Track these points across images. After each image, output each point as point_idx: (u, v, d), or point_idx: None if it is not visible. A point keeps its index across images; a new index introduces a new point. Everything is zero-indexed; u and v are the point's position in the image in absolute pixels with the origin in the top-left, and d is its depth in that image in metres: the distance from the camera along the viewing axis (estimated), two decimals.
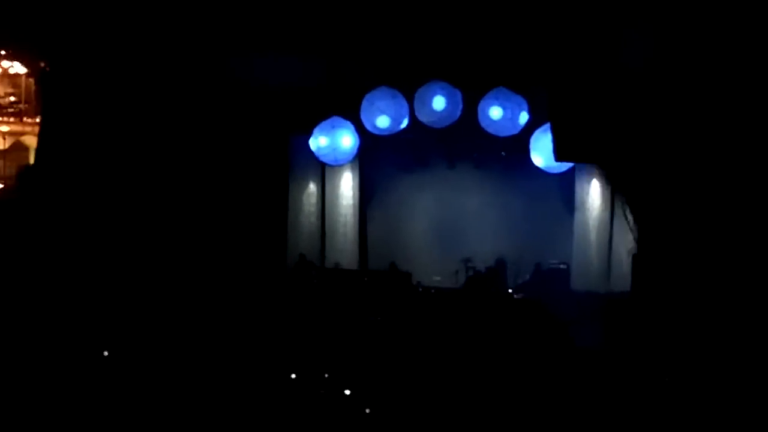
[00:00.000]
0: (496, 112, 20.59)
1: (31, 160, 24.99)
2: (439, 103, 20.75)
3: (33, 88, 28.37)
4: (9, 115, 28.44)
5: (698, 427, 12.06)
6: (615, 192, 20.73)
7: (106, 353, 14.60)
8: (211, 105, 20.72)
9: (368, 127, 21.14)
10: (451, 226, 23.04)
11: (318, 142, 21.34)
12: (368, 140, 21.67)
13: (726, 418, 12.07)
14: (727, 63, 16.59)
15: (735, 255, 16.05)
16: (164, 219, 19.84)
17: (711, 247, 16.43)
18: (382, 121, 21.01)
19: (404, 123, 21.13)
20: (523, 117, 20.56)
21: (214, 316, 17.41)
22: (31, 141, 26.07)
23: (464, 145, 22.35)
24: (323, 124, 21.26)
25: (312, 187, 22.98)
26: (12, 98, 28.88)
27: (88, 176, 19.77)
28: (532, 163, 20.78)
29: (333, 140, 21.30)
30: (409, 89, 20.92)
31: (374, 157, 22.88)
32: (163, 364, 14.20)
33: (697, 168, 16.66)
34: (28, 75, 28.40)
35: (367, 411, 12.83)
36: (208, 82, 20.43)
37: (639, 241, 18.76)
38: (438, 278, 22.07)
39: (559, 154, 16.73)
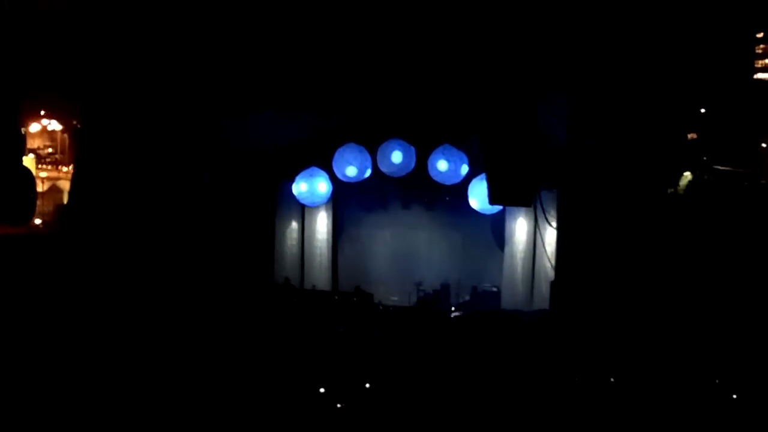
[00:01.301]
0: (442, 165, 20.60)
1: (64, 200, 24.83)
2: (397, 156, 20.73)
3: (67, 141, 28.37)
4: (47, 163, 28.45)
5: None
6: (537, 229, 20.76)
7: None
8: (213, 158, 20.71)
9: (339, 175, 21.08)
10: (406, 255, 22.99)
11: (299, 187, 21.25)
12: (340, 186, 21.59)
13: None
14: (631, 124, 16.90)
15: (631, 288, 16.31)
16: (173, 250, 19.69)
17: (612, 279, 16.69)
18: (351, 171, 20.95)
19: (368, 172, 21.09)
20: (464, 168, 20.58)
21: (210, 329, 17.27)
22: (65, 185, 25.95)
23: (417, 191, 22.30)
24: (303, 172, 21.19)
25: (294, 224, 22.81)
26: (50, 150, 28.89)
27: (111, 212, 19.67)
28: (471, 206, 20.80)
29: (311, 186, 21.22)
30: (372, 145, 20.90)
31: (344, 199, 22.76)
32: (162, 368, 13.99)
33: (605, 208, 16.90)
34: (62, 131, 28.43)
35: (339, 406, 12.67)
36: (210, 140, 20.41)
37: (556, 270, 18.92)
38: (395, 298, 22.02)
39: (492, 199, 16.83)
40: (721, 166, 19.04)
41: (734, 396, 12.85)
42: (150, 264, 19.19)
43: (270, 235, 22.26)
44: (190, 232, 20.14)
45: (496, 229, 22.18)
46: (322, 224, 22.92)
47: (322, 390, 13.39)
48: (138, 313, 17.28)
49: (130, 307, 17.48)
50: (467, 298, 21.64)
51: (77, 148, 22.43)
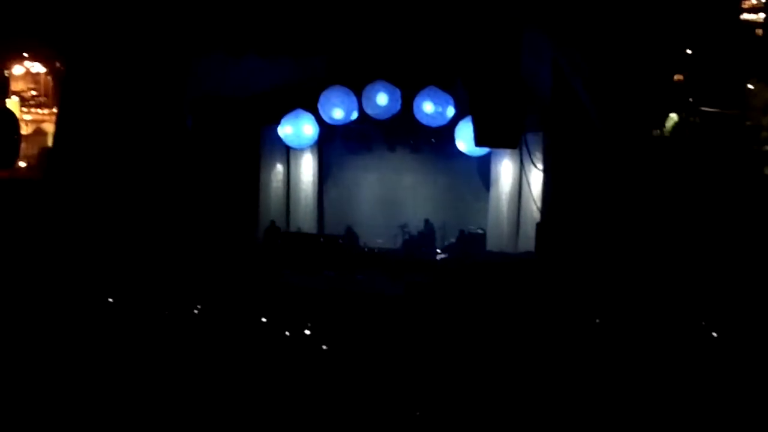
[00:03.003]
0: (428, 107, 20.41)
1: (49, 143, 24.53)
2: (382, 99, 20.51)
3: (50, 84, 28.07)
4: (31, 106, 28.18)
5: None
6: (523, 172, 20.64)
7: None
8: (196, 103, 20.43)
9: (325, 118, 20.88)
10: (391, 198, 22.83)
11: (285, 129, 21.04)
12: (325, 129, 21.42)
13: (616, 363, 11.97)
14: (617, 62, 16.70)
15: (616, 230, 16.26)
16: (158, 193, 19.49)
17: (597, 221, 16.61)
18: (337, 113, 20.75)
19: (354, 115, 20.90)
20: (450, 111, 20.42)
21: (195, 273, 17.18)
22: (49, 127, 25.67)
23: (402, 134, 22.02)
24: (289, 115, 20.97)
25: (279, 167, 22.59)
26: (33, 92, 28.59)
27: (95, 157, 19.43)
28: (457, 148, 20.66)
29: (297, 128, 21.01)
30: (358, 87, 20.66)
31: (330, 142, 22.53)
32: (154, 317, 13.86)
33: (591, 149, 16.76)
34: (46, 73, 28.09)
35: (324, 348, 12.57)
36: (193, 85, 20.07)
37: (542, 212, 18.83)
38: (380, 241, 21.90)
39: (478, 141, 16.63)
40: (708, 107, 18.84)
41: (714, 335, 12.81)
42: (134, 208, 19.01)
43: (255, 179, 22.13)
44: (175, 176, 19.92)
45: (481, 171, 22.00)
46: (307, 167, 22.68)
47: (307, 332, 13.30)
48: (123, 259, 17.17)
49: (115, 252, 17.35)
50: (453, 240, 21.44)
51: (61, 91, 22.14)
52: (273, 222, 21.61)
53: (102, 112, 19.40)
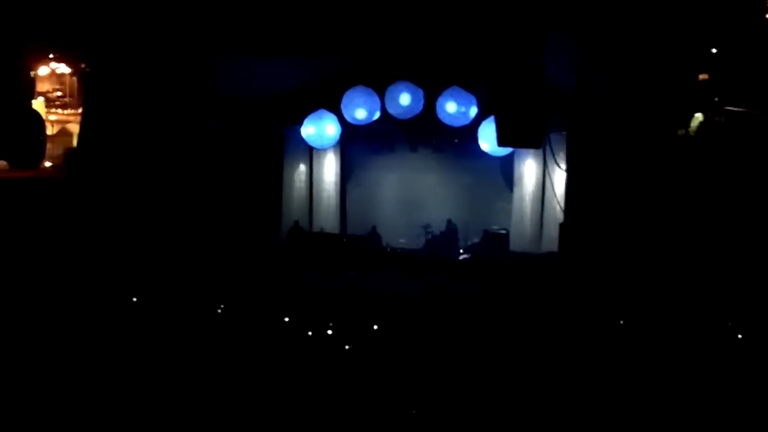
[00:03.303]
0: (451, 107, 20.23)
1: (74, 144, 24.76)
2: (405, 99, 20.36)
3: (75, 84, 28.28)
4: (56, 106, 28.46)
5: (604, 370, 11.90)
6: (546, 172, 20.51)
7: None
8: (220, 106, 20.54)
9: (348, 118, 20.75)
10: (414, 198, 22.72)
11: (307, 130, 20.94)
12: (348, 129, 21.28)
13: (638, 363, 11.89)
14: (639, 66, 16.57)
15: (640, 231, 16.13)
16: (182, 194, 19.62)
17: (621, 222, 16.49)
18: (360, 113, 20.62)
19: (377, 115, 20.76)
20: (473, 111, 20.23)
21: (222, 270, 17.27)
22: (74, 128, 25.91)
23: (425, 134, 21.91)
24: (312, 115, 20.87)
25: (302, 167, 22.56)
26: (59, 93, 28.87)
27: (119, 157, 19.58)
28: (480, 148, 20.46)
29: (319, 129, 20.90)
30: (381, 88, 20.53)
31: (352, 142, 22.45)
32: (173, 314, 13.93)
33: (616, 149, 16.65)
34: (71, 74, 28.33)
35: (347, 347, 12.62)
36: (217, 87, 20.21)
37: (565, 212, 18.72)
38: (403, 240, 21.84)
39: (501, 141, 16.46)
40: (733, 107, 18.67)
41: (739, 336, 12.70)
42: (158, 208, 19.11)
43: (278, 179, 22.10)
44: (198, 177, 20.03)
45: (504, 171, 21.85)
46: (329, 168, 22.65)
47: (329, 332, 13.35)
48: (147, 258, 17.27)
49: (138, 251, 17.45)
50: (476, 240, 21.32)
51: (86, 92, 22.30)
52: (297, 222, 21.62)
53: (126, 113, 19.60)
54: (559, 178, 19.71)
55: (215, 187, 20.30)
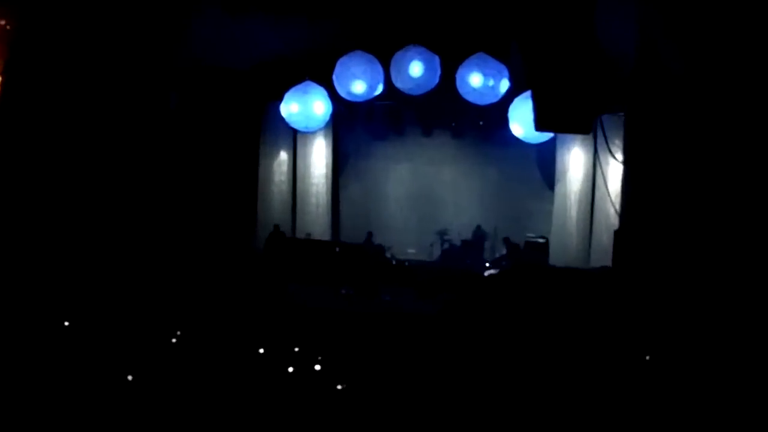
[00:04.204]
0: (475, 80, 20.32)
1: None
2: (416, 69, 20.43)
3: None
4: None
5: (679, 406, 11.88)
6: (597, 164, 20.53)
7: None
8: (180, 76, 20.60)
9: (342, 93, 20.85)
10: (427, 196, 22.89)
11: (290, 108, 20.95)
12: (342, 107, 21.46)
13: (708, 399, 11.88)
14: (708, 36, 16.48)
15: (715, 242, 15.97)
16: (131, 191, 19.62)
17: (692, 229, 16.32)
18: (357, 87, 20.70)
19: (379, 89, 20.87)
20: (504, 84, 20.33)
21: (181, 286, 17.26)
22: None
23: (442, 114, 22.09)
24: (295, 89, 20.89)
25: (283, 155, 22.67)
26: None
27: (48, 143, 19.52)
28: (512, 133, 20.56)
29: (305, 106, 20.92)
30: (385, 54, 20.61)
31: (348, 124, 22.64)
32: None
33: (688, 136, 16.56)
34: None
35: (338, 387, 12.58)
36: (176, 53, 20.16)
37: (622, 215, 18.67)
38: (412, 251, 22.00)
39: (539, 124, 16.51)
40: None
41: None
42: (97, 209, 19.10)
43: (253, 172, 22.26)
44: (152, 168, 20.03)
45: (544, 163, 22.05)
46: (319, 156, 22.73)
47: (318, 367, 13.31)
48: (82, 271, 17.29)
49: (71, 263, 17.50)
50: (506, 251, 21.37)
51: (7, 57, 22.32)
52: (277, 227, 21.56)
53: (58, 86, 19.45)
54: (613, 172, 19.81)
55: (173, 182, 20.32)
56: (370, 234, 21.83)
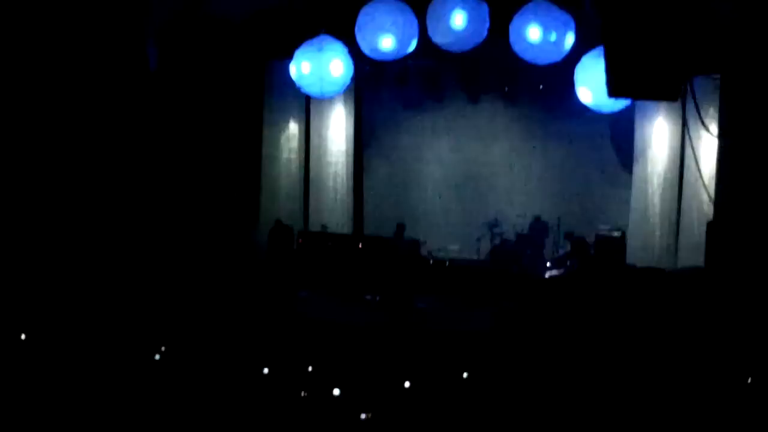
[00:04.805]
0: (534, 33, 20.25)
1: None
2: (458, 19, 20.41)
3: None
4: None
5: None
6: (687, 139, 20.59)
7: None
8: (167, 27, 20.82)
9: (366, 50, 20.91)
10: (473, 179, 23.20)
11: (300, 68, 21.01)
12: (366, 67, 21.64)
13: None
14: None
15: None
16: (101, 174, 19.77)
17: None
18: (386, 43, 20.70)
19: (413, 45, 20.91)
20: (569, 39, 20.34)
21: (165, 292, 17.51)
22: None
23: (491, 76, 22.29)
24: (307, 44, 20.95)
25: (292, 128, 22.95)
26: None
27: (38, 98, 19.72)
28: (579, 100, 20.63)
29: (320, 66, 20.92)
30: (420, 1, 20.66)
31: (374, 89, 22.92)
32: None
33: None
34: None
35: (362, 416, 12.81)
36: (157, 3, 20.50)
37: (717, 203, 18.78)
38: (455, 247, 22.15)
39: (614, 88, 16.54)
40: None
41: None
42: (59, 196, 19.33)
43: (255, 149, 22.51)
44: (128, 146, 20.27)
45: (619, 138, 22.22)
46: (338, 129, 22.97)
47: (336, 392, 13.54)
48: (44, 274, 17.62)
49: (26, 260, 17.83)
50: (569, 248, 21.47)
51: None
52: (279, 221, 21.93)
53: (13, 42, 19.66)
54: (707, 149, 19.97)
55: (154, 163, 20.51)
56: (401, 226, 21.95)
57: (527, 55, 20.60)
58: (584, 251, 21.10)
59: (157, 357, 14.74)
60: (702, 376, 13.85)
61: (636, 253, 21.26)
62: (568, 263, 21.00)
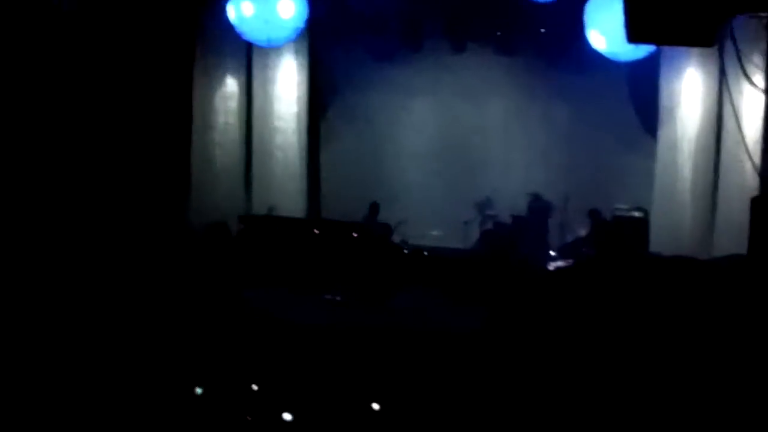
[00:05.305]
0: None
1: None
2: None
3: None
4: None
5: None
6: (726, 94, 20.56)
7: None
8: None
9: None
10: (460, 149, 23.32)
11: (241, 9, 21.08)
12: (323, 7, 21.55)
13: None
14: None
15: None
16: None
17: None
18: None
19: None
20: None
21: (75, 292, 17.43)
22: None
23: (480, 17, 22.15)
24: None
25: (231, 86, 22.93)
26: None
27: None
28: (591, 47, 20.66)
29: (265, 6, 21.00)
30: None
31: (335, 36, 22.86)
32: None
33: None
34: None
35: None
36: None
37: (763, 173, 18.81)
38: (437, 232, 22.30)
39: (634, 32, 16.55)
40: None
41: None
42: None
43: (183, 113, 22.34)
44: (31, 105, 20.02)
45: (640, 94, 22.23)
46: (288, 86, 22.95)
47: (288, 417, 13.51)
48: None
49: None
50: (582, 232, 21.70)
51: None
52: (217, 225, 21.59)
53: None
54: (750, 107, 20.02)
55: (56, 125, 20.33)
56: (375, 206, 21.94)
57: None
58: (610, 237, 21.13)
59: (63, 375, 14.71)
60: (745, 391, 13.85)
61: (662, 238, 21.35)
62: (582, 251, 21.12)
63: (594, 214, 21.65)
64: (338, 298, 19.03)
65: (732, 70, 19.48)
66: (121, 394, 13.61)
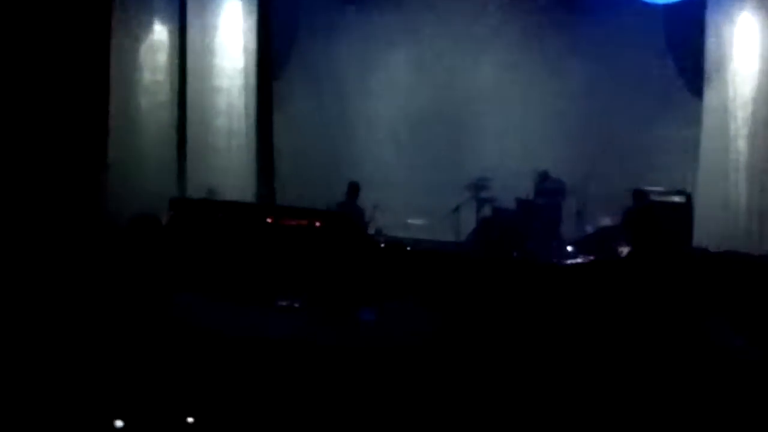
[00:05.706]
0: None
1: None
2: None
3: None
4: None
5: None
6: None
7: None
8: None
9: None
10: (449, 117, 22.85)
11: None
12: None
13: None
14: None
15: None
16: None
17: None
18: None
19: None
20: None
21: None
22: None
23: None
24: None
25: (159, 35, 22.49)
26: None
27: None
28: None
29: None
30: None
31: None
32: None
33: None
34: None
35: None
36: None
37: None
38: (420, 222, 21.88)
39: None
40: None
41: None
42: None
43: (99, 68, 21.76)
44: None
45: (681, 46, 21.70)
46: (231, 37, 22.46)
47: None
48: None
49: None
50: (607, 221, 21.08)
51: None
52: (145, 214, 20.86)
53: None
54: None
55: None
56: (355, 187, 21.30)
57: None
58: (643, 227, 20.33)
59: None
60: None
61: (708, 229, 20.89)
62: (609, 246, 20.53)
63: (639, 196, 21.00)
64: (296, 305, 18.38)
65: None
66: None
